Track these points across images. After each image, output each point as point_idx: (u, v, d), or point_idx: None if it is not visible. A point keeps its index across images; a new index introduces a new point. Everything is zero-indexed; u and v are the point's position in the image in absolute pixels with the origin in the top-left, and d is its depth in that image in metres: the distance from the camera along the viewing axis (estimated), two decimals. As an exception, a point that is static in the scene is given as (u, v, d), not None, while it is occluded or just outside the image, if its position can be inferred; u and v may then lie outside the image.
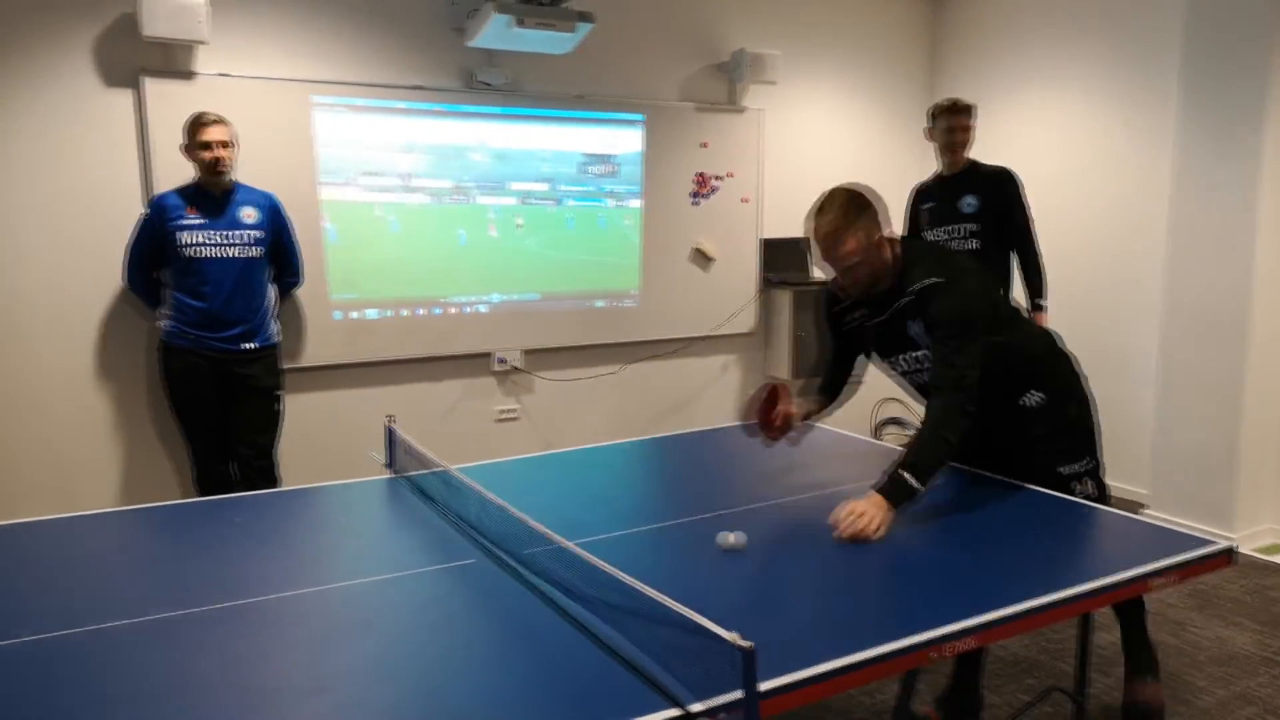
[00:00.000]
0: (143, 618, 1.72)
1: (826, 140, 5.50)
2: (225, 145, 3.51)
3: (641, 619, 1.55)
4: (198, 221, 3.51)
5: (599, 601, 1.68)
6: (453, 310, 4.48)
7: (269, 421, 3.76)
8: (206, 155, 3.48)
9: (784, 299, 5.28)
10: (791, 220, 5.45)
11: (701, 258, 5.15)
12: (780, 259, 5.35)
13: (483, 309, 4.57)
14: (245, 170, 3.71)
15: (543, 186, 4.64)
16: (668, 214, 5.01)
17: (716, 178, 5.13)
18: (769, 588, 1.86)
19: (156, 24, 3.58)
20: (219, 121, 3.51)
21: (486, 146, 4.47)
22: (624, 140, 4.83)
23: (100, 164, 3.73)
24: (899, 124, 5.74)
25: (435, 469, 2.43)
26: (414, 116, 4.28)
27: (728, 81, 5.13)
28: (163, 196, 3.56)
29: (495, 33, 4.08)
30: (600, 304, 4.88)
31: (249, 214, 3.60)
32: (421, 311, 4.40)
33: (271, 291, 3.76)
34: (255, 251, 3.61)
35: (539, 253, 4.67)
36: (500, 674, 1.53)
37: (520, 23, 3.99)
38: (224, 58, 3.87)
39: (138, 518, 2.41)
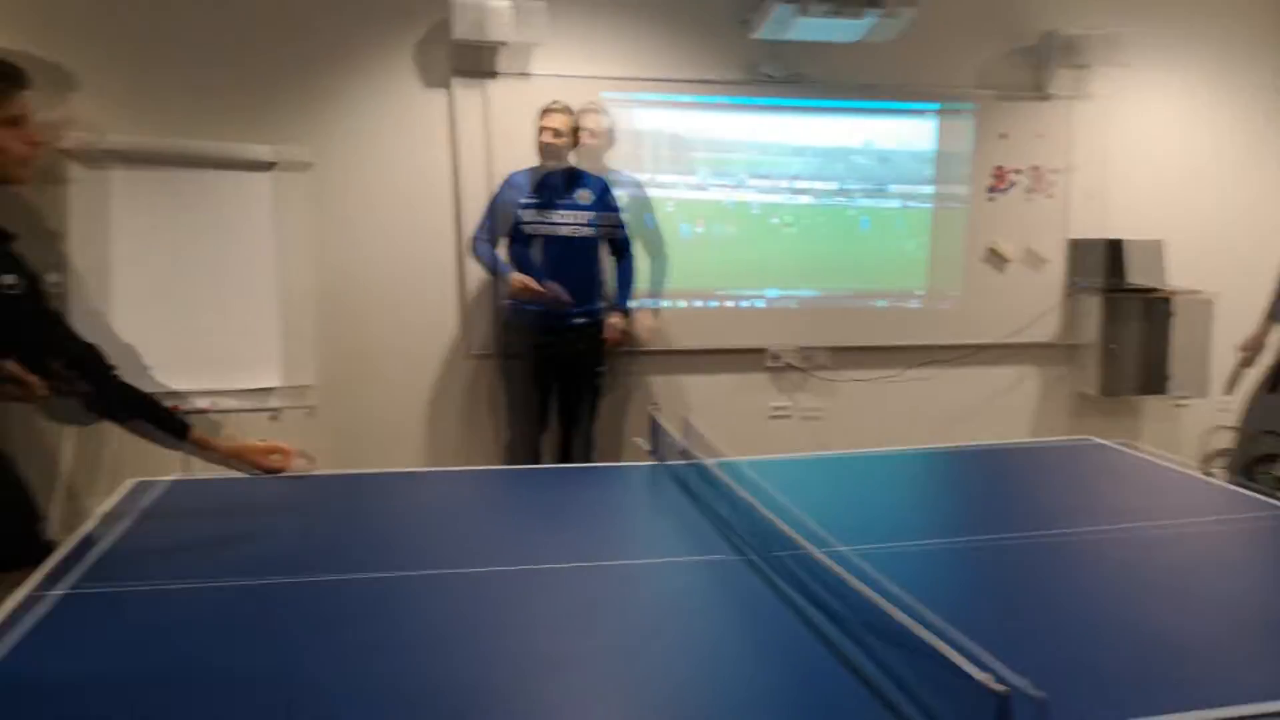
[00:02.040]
0: (420, 571, 1.84)
1: (1151, 132, 4.85)
2: (557, 133, 3.70)
3: (897, 645, 1.41)
4: (534, 201, 3.75)
5: (851, 617, 1.56)
6: (729, 304, 4.46)
7: (593, 395, 3.93)
8: (539, 139, 3.71)
9: (1092, 306, 4.74)
10: (1104, 219, 4.89)
11: (997, 258, 4.75)
12: (1090, 262, 4.79)
13: (760, 304, 4.51)
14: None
15: (826, 179, 4.49)
16: (960, 210, 4.67)
17: (1016, 172, 4.70)
18: (1057, 627, 1.63)
19: (465, 28, 3.86)
20: (558, 110, 3.71)
21: (770, 140, 4.41)
22: (914, 131, 4.56)
23: (419, 160, 4.10)
24: (1246, 117, 4.91)
25: (694, 461, 2.41)
26: (698, 110, 4.30)
27: (1033, 67, 4.68)
28: (514, 175, 3.83)
29: (780, 22, 3.99)
30: (882, 304, 4.65)
31: (583, 195, 3.79)
32: (699, 304, 4.42)
33: (601, 269, 3.93)
34: (587, 231, 3.78)
35: (818, 247, 4.53)
36: (739, 676, 1.45)
37: (805, 11, 3.88)
38: (523, 58, 4.11)
39: (450, 479, 2.62)
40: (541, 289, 3.59)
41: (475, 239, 3.85)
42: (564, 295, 3.63)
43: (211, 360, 3.48)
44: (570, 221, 3.75)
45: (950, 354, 4.76)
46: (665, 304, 4.32)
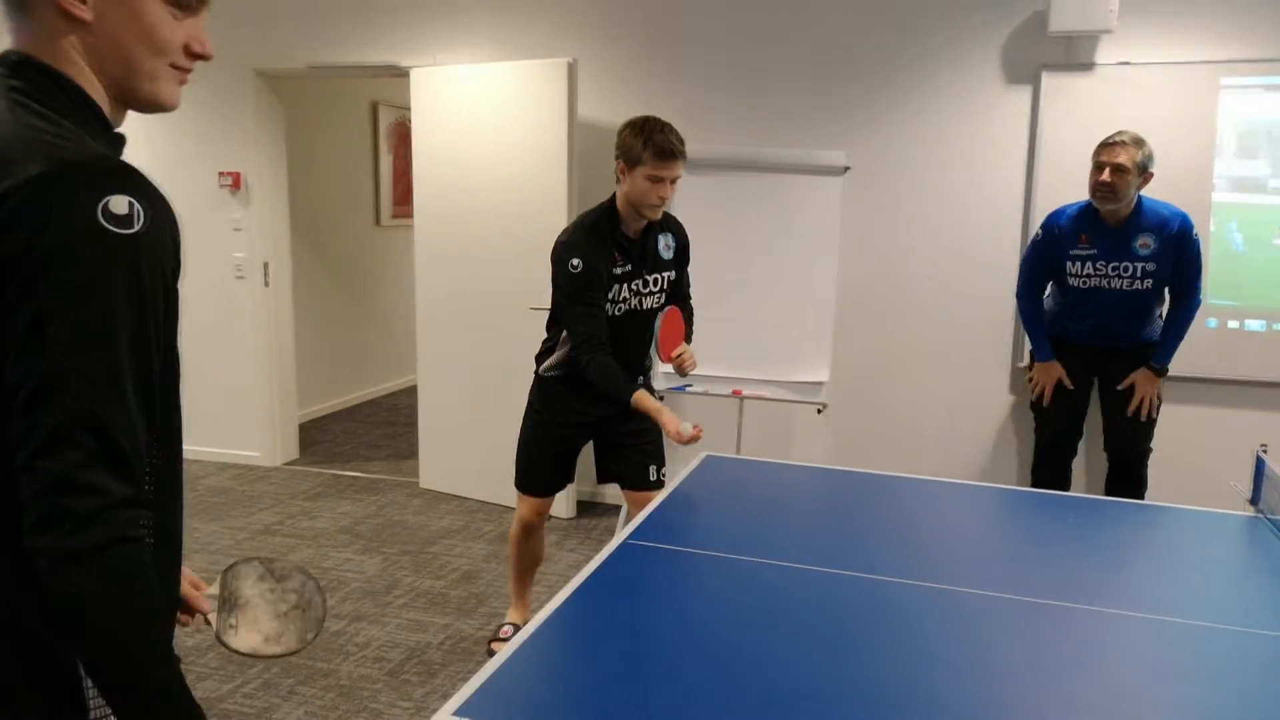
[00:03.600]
0: (966, 589, 1.81)
1: None
2: (1120, 171, 3.16)
3: None
4: (1088, 252, 3.36)
5: None
6: (1373, 331, 3.60)
7: (1146, 425, 3.52)
8: (1095, 176, 3.25)
9: None
10: None
11: None
12: None
13: None
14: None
15: None
16: None
17: None
18: None
19: (1065, 18, 3.62)
20: (1122, 144, 3.18)
21: None
22: None
23: (990, 161, 3.96)
24: None
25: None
26: (1354, 92, 3.51)
27: None
28: (1056, 217, 3.44)
29: None
30: None
31: (1144, 243, 3.30)
32: (1324, 328, 3.64)
33: (1158, 314, 3.48)
34: (1144, 285, 3.32)
35: None
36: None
37: None
38: (1126, 45, 3.73)
39: (974, 494, 2.54)
40: None
41: (1021, 286, 3.58)
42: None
43: (770, 353, 3.79)
44: (1127, 275, 3.31)
45: None
46: (1276, 325, 3.62)
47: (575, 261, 2.60)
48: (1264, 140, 3.62)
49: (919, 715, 1.34)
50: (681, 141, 2.57)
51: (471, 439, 4.56)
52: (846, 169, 3.78)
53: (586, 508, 4.58)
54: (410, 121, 4.66)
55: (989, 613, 1.70)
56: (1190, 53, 3.67)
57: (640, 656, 1.48)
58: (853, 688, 1.41)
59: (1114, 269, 3.33)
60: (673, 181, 2.58)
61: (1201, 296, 3.37)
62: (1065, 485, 3.68)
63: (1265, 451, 2.31)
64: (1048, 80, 3.81)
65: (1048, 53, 3.83)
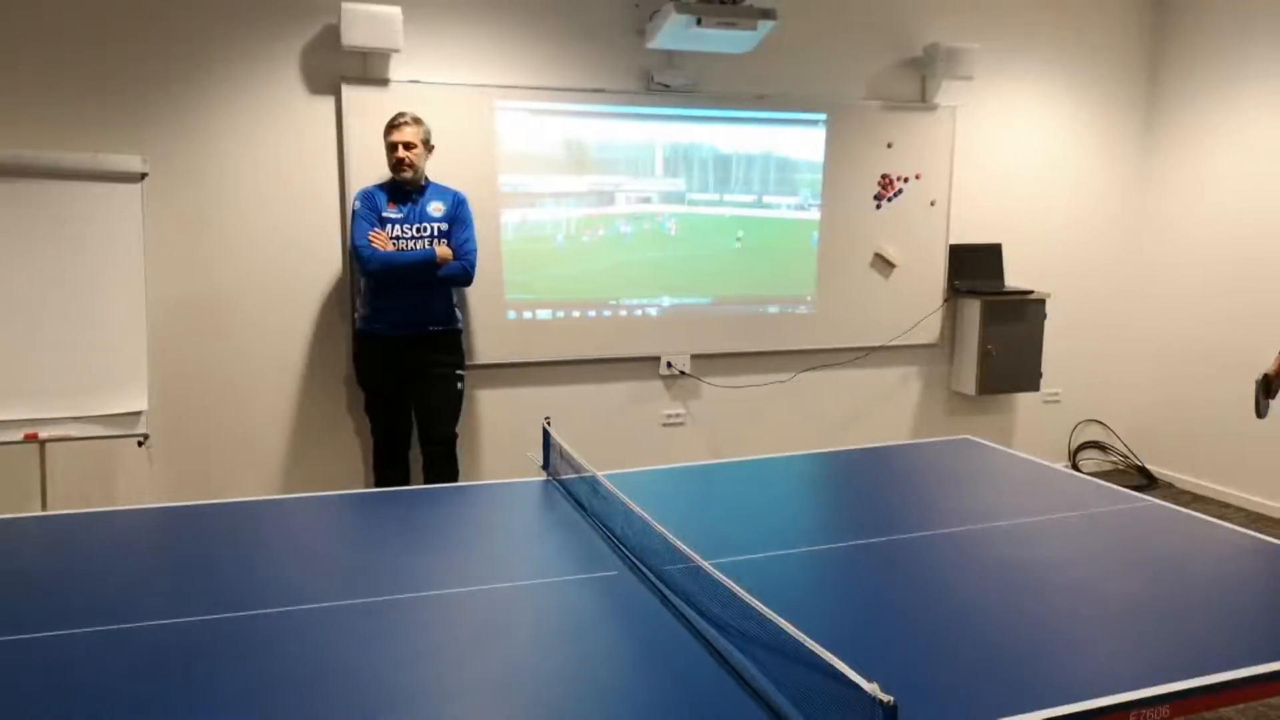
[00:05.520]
0: (298, 606, 1.77)
1: (1026, 142, 5.11)
2: (410, 146, 3.67)
3: (778, 654, 1.44)
4: (397, 216, 3.70)
5: (735, 629, 1.58)
6: (622, 313, 4.48)
7: (452, 405, 3.87)
8: (393, 155, 3.65)
9: (972, 309, 4.95)
10: (983, 225, 5.13)
11: (883, 264, 4.91)
12: (969, 266, 5.02)
13: (653, 312, 4.54)
14: (434, 170, 3.85)
15: (719, 188, 4.55)
16: (848, 217, 4.80)
17: (902, 179, 4.87)
18: (926, 630, 1.70)
19: (356, 34, 3.77)
20: (410, 123, 3.67)
21: (664, 149, 4.44)
22: (804, 140, 4.67)
23: (303, 166, 3.96)
24: (1109, 127, 5.27)
25: (585, 474, 2.40)
26: (592, 119, 4.31)
27: (919, 78, 4.86)
28: (370, 190, 3.74)
29: (675, 33, 4.03)
30: (773, 309, 4.74)
31: (436, 207, 3.76)
32: (592, 313, 4.42)
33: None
34: (440, 243, 3.73)
35: (710, 256, 4.59)
36: (627, 696, 1.46)
37: (700, 22, 3.93)
38: (416, 65, 4.03)
39: (317, 504, 2.52)
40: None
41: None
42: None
43: (73, 385, 3.30)
44: (425, 235, 3.71)
45: (840, 357, 4.89)
46: (560, 314, 4.31)
47: None
48: (532, 151, 4.24)
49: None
50: None
51: None
52: (144, 175, 3.44)
53: None
54: None
55: (340, 623, 1.70)
56: (469, 76, 4.12)
57: None
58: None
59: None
60: None
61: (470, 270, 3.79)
62: (406, 478, 3.89)
63: (549, 423, 2.71)
64: (348, 92, 3.94)
65: (346, 66, 3.95)
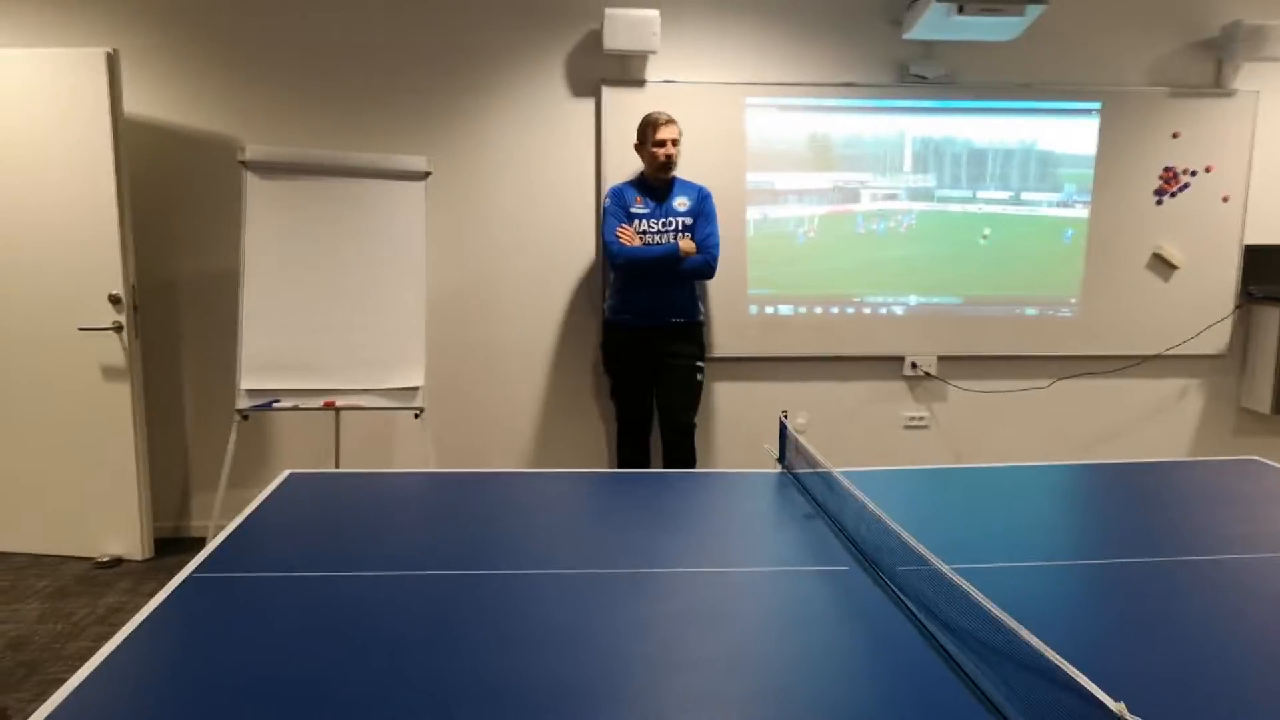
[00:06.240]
0: (547, 570, 1.92)
1: (1349, 126, 4.47)
2: (676, 143, 3.84)
3: (1013, 662, 1.38)
4: (645, 211, 3.86)
5: (972, 636, 1.53)
6: (866, 310, 4.40)
7: (691, 394, 3.98)
8: (660, 153, 3.81)
9: (1271, 317, 4.41)
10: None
11: (1162, 265, 4.48)
12: (1268, 269, 4.46)
13: (899, 311, 4.42)
14: (683, 168, 3.97)
15: (972, 184, 4.35)
16: (1123, 213, 4.43)
17: (1189, 173, 4.42)
18: (1181, 658, 1.56)
19: (617, 38, 3.96)
20: (670, 121, 3.83)
21: (913, 143, 4.31)
22: (1073, 131, 4.35)
23: (563, 164, 4.23)
24: None
25: (821, 470, 2.40)
26: (849, 114, 4.25)
27: (1213, 61, 4.39)
28: (620, 188, 3.94)
29: (935, 22, 3.90)
30: (1031, 311, 4.47)
31: (682, 203, 3.89)
32: (835, 310, 4.38)
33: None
34: (684, 237, 3.85)
35: (958, 255, 4.39)
36: (855, 687, 1.46)
37: (962, 10, 3.78)
38: (670, 65, 4.17)
39: (569, 480, 2.70)
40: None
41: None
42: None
43: (363, 359, 3.71)
44: (672, 229, 3.84)
45: (1107, 364, 4.53)
46: (802, 310, 4.31)
47: None
48: (780, 146, 4.25)
49: (525, 697, 1.40)
50: None
51: (12, 483, 3.92)
52: (428, 174, 3.81)
53: (168, 545, 4.15)
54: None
55: (579, 589, 1.83)
56: (720, 74, 4.20)
57: (215, 696, 1.38)
58: (457, 683, 1.44)
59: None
60: None
61: (714, 263, 3.88)
62: (646, 461, 4.05)
63: (786, 416, 2.73)
64: (607, 93, 4.14)
65: (606, 69, 4.16)
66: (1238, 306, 4.51)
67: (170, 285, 4.15)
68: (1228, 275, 4.49)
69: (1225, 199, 4.44)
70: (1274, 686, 1.47)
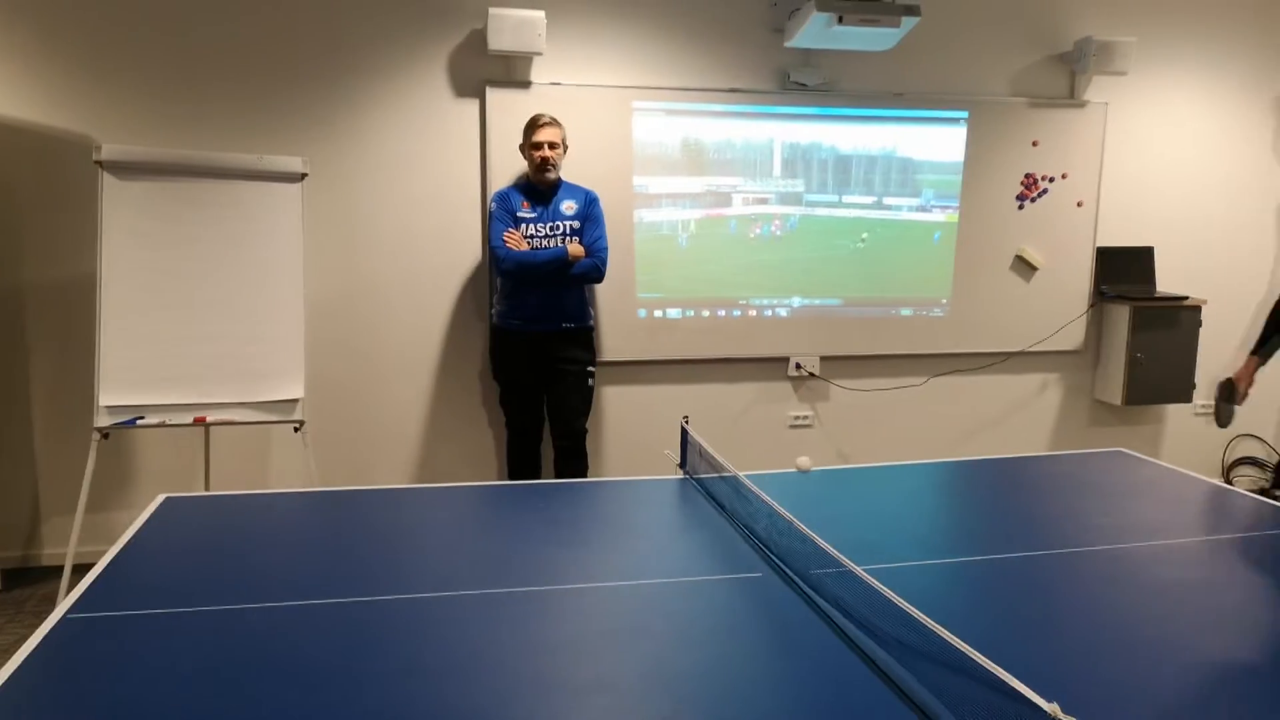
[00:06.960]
0: (445, 593, 1.84)
1: (1182, 140, 4.83)
2: (554, 146, 3.76)
3: (938, 664, 1.41)
4: (532, 215, 3.79)
5: (888, 635, 1.56)
6: (752, 313, 4.47)
7: (583, 400, 3.93)
8: (537, 155, 3.74)
9: (1120, 315, 4.72)
10: (1133, 226, 4.88)
11: (1024, 266, 4.73)
12: (1118, 270, 4.78)
13: (783, 313, 4.50)
14: (571, 171, 3.93)
15: (838, 189, 4.48)
16: (987, 218, 4.65)
17: (1048, 179, 4.68)
18: (1088, 650, 1.63)
19: (502, 39, 3.88)
20: (551, 124, 3.76)
21: (797, 148, 4.40)
22: (940, 139, 4.54)
23: (447, 166, 4.11)
24: (1279, 126, 4.93)
25: (726, 474, 2.41)
26: (727, 119, 4.30)
27: (1068, 73, 4.67)
28: (505, 191, 3.85)
29: (815, 31, 3.99)
30: (906, 312, 4.64)
31: (569, 206, 3.83)
32: (721, 313, 4.42)
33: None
34: (572, 241, 3.80)
35: (842, 257, 4.52)
36: (774, 698, 1.46)
37: (841, 20, 3.88)
38: (556, 67, 4.12)
39: (460, 494, 2.62)
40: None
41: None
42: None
43: (237, 371, 3.51)
44: (559, 233, 3.78)
45: (976, 361, 4.75)
46: (690, 313, 4.33)
47: None
48: (667, 151, 4.27)
49: (416, 733, 1.33)
50: None
51: None
52: (305, 175, 3.63)
53: (15, 576, 3.81)
54: None
55: (480, 612, 1.76)
56: (607, 78, 4.18)
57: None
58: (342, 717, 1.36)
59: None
60: None
61: (602, 267, 3.83)
62: (538, 469, 3.99)
63: (688, 422, 2.73)
64: (492, 95, 4.06)
65: (491, 70, 4.07)
66: (1091, 305, 4.81)
67: (15, 293, 3.81)
68: (1082, 276, 4.78)
69: (1079, 204, 4.73)
70: (1169, 672, 1.55)
